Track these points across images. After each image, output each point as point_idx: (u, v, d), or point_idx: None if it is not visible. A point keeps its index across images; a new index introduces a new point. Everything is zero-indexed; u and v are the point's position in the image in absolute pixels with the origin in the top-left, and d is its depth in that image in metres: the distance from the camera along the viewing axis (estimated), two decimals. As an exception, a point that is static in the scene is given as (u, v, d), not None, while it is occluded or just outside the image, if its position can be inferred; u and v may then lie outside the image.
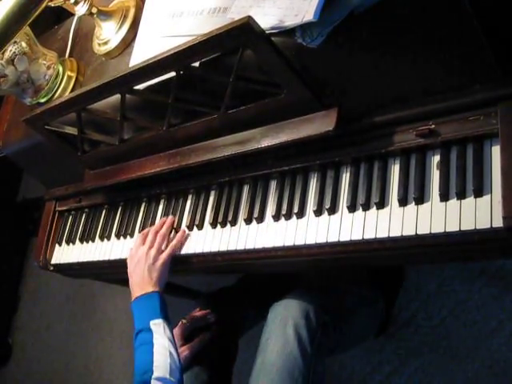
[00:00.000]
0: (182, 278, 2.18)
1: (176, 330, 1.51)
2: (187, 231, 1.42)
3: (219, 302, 1.68)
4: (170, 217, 1.45)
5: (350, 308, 1.53)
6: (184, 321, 1.53)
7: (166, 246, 1.41)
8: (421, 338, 1.79)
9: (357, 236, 1.10)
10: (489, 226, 0.95)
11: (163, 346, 1.25)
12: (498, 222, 0.94)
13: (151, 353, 1.24)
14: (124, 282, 2.09)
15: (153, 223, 1.51)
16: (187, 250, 1.39)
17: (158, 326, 1.28)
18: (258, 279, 1.84)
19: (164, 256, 1.38)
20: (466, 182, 1.00)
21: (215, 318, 1.59)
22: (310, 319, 1.32)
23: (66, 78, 1.52)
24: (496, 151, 0.99)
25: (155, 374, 1.20)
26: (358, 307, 1.57)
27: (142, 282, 1.37)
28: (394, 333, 1.84)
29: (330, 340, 1.39)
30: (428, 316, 1.79)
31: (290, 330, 1.30)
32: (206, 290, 2.26)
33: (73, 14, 1.63)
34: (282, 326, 1.32)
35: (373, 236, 1.08)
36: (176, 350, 1.28)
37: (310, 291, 1.41)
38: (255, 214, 1.28)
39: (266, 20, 1.02)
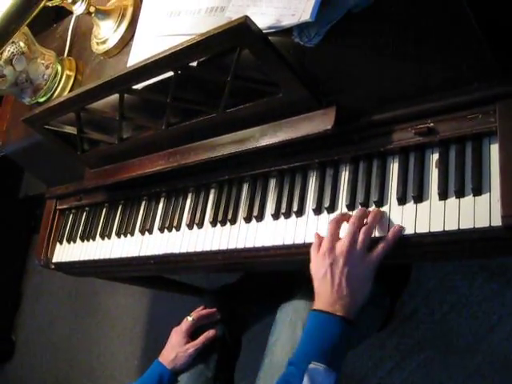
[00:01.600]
0: (184, 275, 2.19)
1: (181, 327, 1.52)
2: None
3: (223, 299, 1.68)
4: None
5: None
6: (189, 318, 1.53)
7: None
8: (422, 334, 1.80)
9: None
10: (488, 224, 0.95)
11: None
12: (497, 221, 0.93)
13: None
14: (126, 279, 2.11)
15: (153, 222, 1.51)
16: (187, 248, 1.39)
17: (314, 373, 1.01)
18: (260, 275, 1.84)
19: (372, 260, 1.05)
20: (464, 180, 1.00)
21: (220, 316, 1.59)
22: None
23: (64, 77, 1.52)
24: (495, 149, 0.98)
25: None
26: (365, 305, 1.57)
27: (334, 295, 1.06)
28: (395, 328, 1.84)
29: None
30: (429, 311, 1.80)
31: (300, 331, 1.30)
32: (209, 286, 2.26)
33: (72, 13, 1.62)
34: (292, 328, 1.31)
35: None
36: None
37: None
38: (255, 213, 1.28)
39: (263, 19, 1.02)
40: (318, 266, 1.09)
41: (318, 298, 1.08)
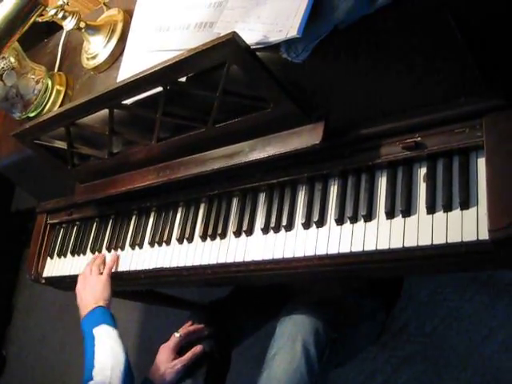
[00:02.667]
0: (177, 289, 2.19)
1: (169, 344, 1.51)
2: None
3: (212, 315, 1.68)
4: (101, 254, 1.62)
5: (354, 321, 1.52)
6: (177, 334, 1.53)
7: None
8: (413, 347, 1.79)
9: (344, 249, 1.10)
10: (475, 238, 0.96)
11: (105, 347, 1.33)
12: (484, 235, 0.94)
13: (92, 358, 1.30)
14: (116, 293, 2.10)
15: (143, 236, 1.51)
16: (177, 263, 1.39)
17: (99, 331, 1.37)
18: (251, 290, 1.84)
19: (102, 277, 1.51)
20: (452, 194, 1.01)
21: (208, 332, 1.59)
22: (320, 336, 1.32)
23: (55, 92, 1.52)
24: (482, 163, 0.99)
25: (95, 379, 1.26)
26: (361, 319, 1.57)
27: (86, 304, 1.46)
28: (386, 342, 1.84)
29: (338, 357, 1.39)
30: (420, 325, 1.80)
31: (299, 346, 1.30)
32: (199, 299, 2.26)
33: (62, 28, 1.63)
34: (291, 342, 1.31)
35: (360, 249, 1.08)
36: (123, 350, 1.35)
37: (318, 306, 1.40)
38: (244, 227, 1.28)
39: (251, 35, 1.03)
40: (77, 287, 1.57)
41: (82, 311, 1.48)
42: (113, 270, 1.53)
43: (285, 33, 0.97)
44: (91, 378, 1.25)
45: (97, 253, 1.64)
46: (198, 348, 1.52)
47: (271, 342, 1.38)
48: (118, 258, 1.55)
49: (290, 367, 1.29)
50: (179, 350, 1.52)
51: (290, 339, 1.32)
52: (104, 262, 1.57)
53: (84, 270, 1.58)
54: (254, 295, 1.82)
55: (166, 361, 1.48)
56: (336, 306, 1.49)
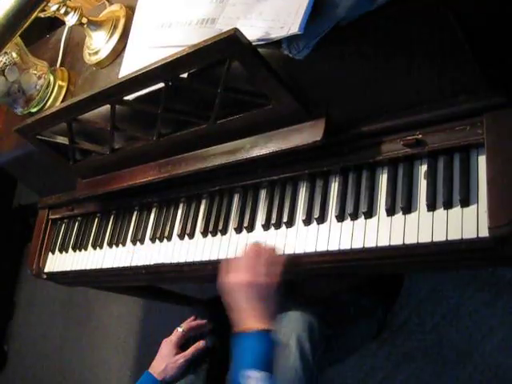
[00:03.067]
0: (177, 285, 2.19)
1: (171, 338, 1.51)
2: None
3: (214, 310, 1.68)
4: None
5: (351, 318, 1.53)
6: (180, 329, 1.53)
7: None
8: (413, 344, 1.80)
9: (345, 245, 1.11)
10: (475, 235, 0.96)
11: None
12: (484, 232, 0.94)
13: None
14: (118, 289, 2.11)
15: (144, 232, 1.51)
16: (178, 259, 1.39)
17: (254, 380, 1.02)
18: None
19: (276, 280, 1.13)
20: (452, 191, 1.01)
21: (211, 327, 1.59)
22: (314, 333, 1.32)
23: (56, 87, 1.53)
24: (482, 161, 0.99)
25: None
26: (358, 316, 1.57)
27: (253, 312, 1.09)
28: (386, 338, 1.84)
29: (334, 353, 1.39)
30: (420, 322, 1.80)
31: (293, 342, 1.31)
32: (200, 296, 2.26)
33: (65, 23, 1.63)
34: (285, 339, 1.32)
35: (361, 245, 1.09)
36: None
37: (313, 304, 1.40)
38: (245, 223, 1.28)
39: (253, 32, 1.03)
40: (234, 282, 1.14)
41: (240, 317, 1.10)
42: (116, 266, 1.52)
43: (286, 29, 0.97)
44: None
45: (98, 249, 1.64)
46: (200, 343, 1.52)
47: None
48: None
49: (285, 364, 1.29)
50: (181, 345, 1.52)
51: (285, 336, 1.32)
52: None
53: (254, 257, 1.14)
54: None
55: (168, 355, 1.48)
56: (332, 302, 1.49)
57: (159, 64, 1.11)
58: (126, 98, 1.24)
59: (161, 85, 1.17)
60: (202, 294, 2.27)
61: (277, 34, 0.98)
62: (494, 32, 0.94)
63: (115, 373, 2.82)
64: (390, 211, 1.07)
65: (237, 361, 1.07)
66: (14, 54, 1.43)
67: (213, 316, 1.62)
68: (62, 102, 1.53)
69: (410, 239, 1.03)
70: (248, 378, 1.01)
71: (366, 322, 1.65)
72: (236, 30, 0.99)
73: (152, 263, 1.46)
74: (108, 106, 1.27)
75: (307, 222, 1.18)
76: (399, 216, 1.06)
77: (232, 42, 1.00)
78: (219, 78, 1.10)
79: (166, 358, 1.47)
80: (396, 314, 1.83)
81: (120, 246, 1.57)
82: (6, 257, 3.52)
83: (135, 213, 1.57)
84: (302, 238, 1.18)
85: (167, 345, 1.50)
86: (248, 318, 1.08)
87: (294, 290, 1.77)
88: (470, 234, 0.96)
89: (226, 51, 1.03)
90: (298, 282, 1.64)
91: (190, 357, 1.49)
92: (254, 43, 1.02)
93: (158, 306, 2.66)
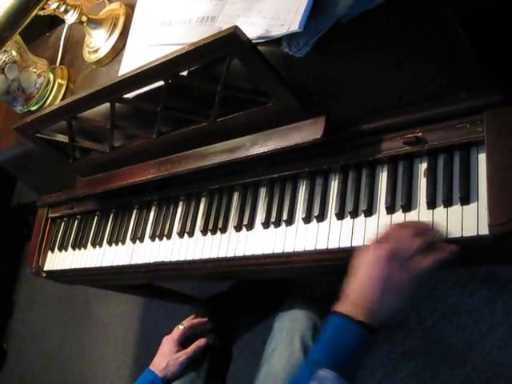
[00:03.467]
0: (176, 283, 2.19)
1: (172, 335, 1.51)
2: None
3: (214, 309, 1.68)
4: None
5: None
6: (181, 327, 1.53)
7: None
8: (413, 342, 1.80)
9: (345, 243, 1.11)
10: (475, 233, 0.96)
11: None
12: (485, 230, 0.94)
13: None
14: (118, 287, 2.11)
15: (144, 230, 1.51)
16: (178, 257, 1.39)
17: (323, 380, 0.91)
18: (251, 285, 1.85)
19: (424, 268, 0.93)
20: (452, 189, 1.01)
21: (212, 325, 1.59)
22: (317, 330, 1.32)
23: (56, 85, 1.52)
24: (482, 159, 0.99)
25: None
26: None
27: (365, 292, 0.95)
28: (386, 337, 1.84)
29: None
30: (420, 320, 1.80)
31: (297, 341, 1.30)
32: (199, 294, 2.26)
33: (64, 22, 1.63)
34: (289, 337, 1.32)
35: (361, 243, 1.09)
36: None
37: (316, 301, 1.40)
38: (245, 221, 1.28)
39: (253, 29, 1.03)
40: (364, 259, 0.97)
41: (346, 297, 0.97)
42: (116, 264, 1.53)
43: (286, 27, 0.97)
44: None
45: (98, 247, 1.64)
46: (201, 341, 1.51)
47: (269, 337, 1.38)
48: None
49: (288, 362, 1.29)
50: (183, 343, 1.52)
51: (289, 334, 1.32)
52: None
53: (404, 239, 0.95)
54: (252, 290, 1.82)
55: (169, 353, 1.47)
56: (334, 301, 1.49)
57: (159, 62, 1.11)
58: (125, 96, 1.24)
59: (160, 83, 1.17)
60: (201, 292, 2.27)
61: (277, 31, 0.99)
62: (494, 29, 0.94)
63: (114, 371, 2.82)
64: (390, 209, 1.07)
65: (324, 347, 0.97)
66: (14, 52, 1.43)
67: (213, 314, 1.62)
68: (62, 100, 1.53)
69: (410, 237, 1.03)
70: (322, 374, 0.91)
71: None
72: (236, 28, 0.98)
73: (152, 261, 1.46)
74: (108, 104, 1.27)
75: (307, 220, 1.18)
76: (399, 214, 1.06)
77: (232, 39, 1.00)
78: (219, 75, 1.10)
79: (167, 355, 1.47)
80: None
81: (120, 244, 1.57)
82: (5, 255, 3.52)
83: (135, 211, 1.57)
84: (302, 236, 1.18)
85: (168, 342, 1.50)
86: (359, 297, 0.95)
87: (296, 288, 1.77)
88: (469, 231, 0.96)
89: (226, 49, 1.03)
90: (300, 280, 1.64)
91: (191, 354, 1.48)
92: (254, 41, 1.02)
93: (158, 305, 2.66)
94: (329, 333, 0.96)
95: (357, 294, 0.95)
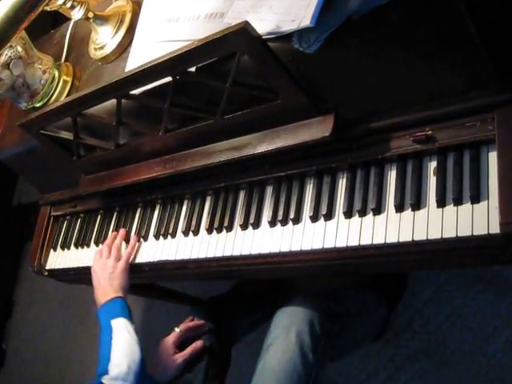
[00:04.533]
0: (179, 283, 2.18)
1: (169, 338, 1.50)
2: (141, 241, 1.51)
3: (212, 311, 1.67)
4: (122, 229, 1.55)
5: (353, 314, 1.52)
6: (177, 329, 1.52)
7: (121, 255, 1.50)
8: (417, 345, 1.79)
9: (353, 242, 1.10)
10: (486, 232, 0.95)
11: (123, 342, 1.30)
12: (495, 229, 0.93)
13: (109, 351, 1.29)
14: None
15: (148, 228, 1.50)
16: (183, 255, 1.38)
17: (118, 324, 1.34)
18: (252, 286, 1.84)
19: (121, 263, 1.46)
20: (462, 188, 1.00)
21: (209, 327, 1.58)
22: (314, 326, 1.31)
23: (61, 82, 1.51)
24: (493, 157, 0.98)
25: (110, 374, 1.24)
26: (361, 313, 1.56)
27: (104, 291, 1.43)
28: (390, 339, 1.83)
29: (334, 349, 1.38)
30: (424, 322, 1.79)
31: (293, 336, 1.30)
32: (202, 295, 2.25)
33: (69, 19, 1.62)
34: (285, 333, 1.31)
35: (369, 242, 1.08)
36: (139, 348, 1.31)
37: (315, 298, 1.40)
38: (251, 220, 1.27)
39: (263, 25, 1.02)
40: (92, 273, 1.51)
41: (99, 300, 1.44)
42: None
43: (298, 23, 0.96)
44: (106, 372, 1.25)
45: (101, 246, 1.62)
46: (198, 343, 1.51)
47: (267, 333, 1.38)
48: (139, 244, 1.51)
49: (283, 357, 1.28)
50: (179, 346, 1.51)
51: (285, 330, 1.32)
52: (120, 247, 1.52)
53: (103, 249, 1.52)
54: (253, 292, 1.82)
55: (166, 355, 1.47)
56: (334, 298, 1.48)
57: (167, 58, 1.10)
58: (132, 92, 1.23)
59: (168, 79, 1.16)
60: (204, 293, 2.25)
61: (288, 27, 0.98)
62: (506, 25, 0.93)
63: (114, 372, 2.80)
64: (399, 207, 1.06)
65: (102, 323, 1.38)
66: (20, 48, 1.42)
67: (210, 316, 1.62)
68: (67, 97, 1.52)
69: (420, 236, 1.02)
70: (114, 323, 1.34)
71: (369, 320, 1.64)
72: (247, 23, 0.98)
73: (155, 260, 1.45)
74: (113, 101, 1.26)
75: (314, 218, 1.17)
76: (408, 212, 1.05)
77: (242, 35, 0.99)
78: (227, 72, 1.09)
79: (164, 358, 1.46)
80: (400, 315, 1.82)
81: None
82: (5, 255, 3.51)
83: (139, 209, 1.56)
84: (309, 235, 1.17)
85: (165, 345, 1.49)
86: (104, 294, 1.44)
87: (294, 285, 1.76)
88: (480, 230, 0.96)
89: (235, 45, 1.02)
90: (302, 280, 1.63)
91: (188, 357, 1.48)
92: (264, 37, 1.01)
93: (158, 305, 2.65)
94: (102, 315, 1.40)
95: (101, 294, 1.45)
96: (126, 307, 1.40)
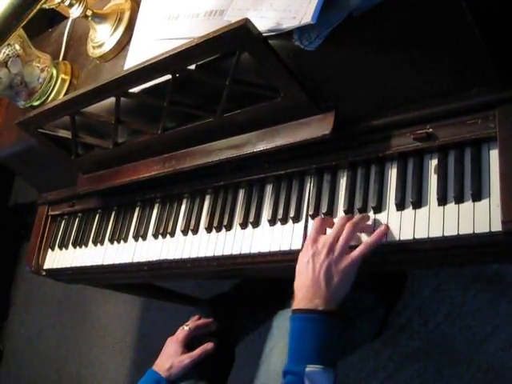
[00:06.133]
0: (176, 283, 2.18)
1: (177, 336, 1.48)
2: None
3: (219, 310, 1.66)
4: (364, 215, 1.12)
5: (352, 315, 1.51)
6: (186, 327, 1.50)
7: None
8: (416, 344, 1.79)
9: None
10: (487, 230, 0.94)
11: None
12: (497, 226, 0.93)
13: None
14: (117, 287, 2.09)
15: (147, 228, 1.49)
16: (182, 255, 1.37)
17: (313, 376, 1.01)
18: (253, 286, 1.83)
19: (355, 255, 1.05)
20: (464, 185, 1.00)
21: (216, 326, 1.57)
22: None
23: (59, 81, 1.51)
24: (494, 155, 0.98)
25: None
26: (360, 313, 1.56)
27: (312, 287, 1.05)
28: (389, 338, 1.83)
29: None
30: (423, 321, 1.79)
31: None
32: (199, 294, 2.24)
33: (67, 18, 1.62)
34: (285, 334, 1.30)
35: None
36: None
37: None
38: (251, 219, 1.27)
39: (263, 22, 1.01)
40: (300, 257, 1.10)
41: (297, 295, 1.08)
42: (118, 262, 1.51)
43: (298, 20, 0.95)
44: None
45: (99, 245, 1.62)
46: (209, 345, 1.48)
47: (268, 336, 1.37)
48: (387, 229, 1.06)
49: (283, 359, 1.27)
50: (187, 344, 1.49)
51: (287, 331, 1.31)
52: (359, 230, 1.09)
53: (319, 226, 1.10)
54: (255, 291, 1.81)
55: (173, 354, 1.44)
56: None
57: (167, 55, 1.09)
58: (131, 90, 1.22)
59: (167, 77, 1.15)
60: (202, 293, 2.25)
61: (289, 24, 0.97)
62: (507, 23, 0.93)
63: (112, 372, 2.80)
64: (400, 206, 1.06)
65: (294, 350, 1.07)
66: (17, 46, 1.41)
67: (217, 315, 1.60)
68: (65, 95, 1.51)
69: (421, 234, 1.02)
70: (310, 371, 1.01)
71: (367, 320, 1.63)
72: (247, 21, 0.97)
73: (154, 259, 1.44)
74: (112, 99, 1.26)
75: (315, 216, 1.16)
76: (409, 210, 1.05)
77: (243, 32, 0.99)
78: (227, 70, 1.09)
79: (172, 357, 1.44)
80: (399, 314, 1.82)
81: (122, 242, 1.55)
82: (1, 255, 3.50)
83: (137, 208, 1.55)
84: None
85: (173, 343, 1.47)
86: (315, 293, 1.05)
87: (289, 283, 1.75)
88: (482, 228, 0.95)
89: (236, 42, 1.02)
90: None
91: (197, 358, 1.45)
92: (264, 34, 1.01)
93: (156, 305, 2.65)
94: (296, 333, 1.07)
95: (306, 289, 1.05)
96: (332, 337, 1.05)
